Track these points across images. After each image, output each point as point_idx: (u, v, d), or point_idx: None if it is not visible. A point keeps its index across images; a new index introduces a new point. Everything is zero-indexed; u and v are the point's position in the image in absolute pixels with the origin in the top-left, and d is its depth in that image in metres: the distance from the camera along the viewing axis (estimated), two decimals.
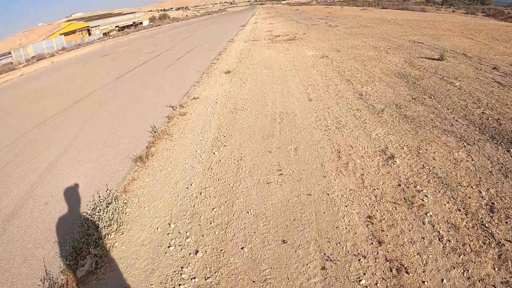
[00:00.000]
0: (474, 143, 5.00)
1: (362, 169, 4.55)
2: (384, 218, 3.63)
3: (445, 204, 3.75)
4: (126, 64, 16.94)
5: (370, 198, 3.96)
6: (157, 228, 3.85)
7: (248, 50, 15.75)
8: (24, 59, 48.54)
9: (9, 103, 12.37)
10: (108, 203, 4.33)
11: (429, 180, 4.21)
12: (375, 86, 8.26)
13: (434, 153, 4.81)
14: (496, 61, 9.64)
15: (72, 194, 4.86)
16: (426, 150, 4.91)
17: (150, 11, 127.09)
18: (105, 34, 76.57)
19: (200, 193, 4.38)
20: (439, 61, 10.11)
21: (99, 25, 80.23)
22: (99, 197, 4.35)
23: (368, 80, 8.79)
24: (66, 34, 73.14)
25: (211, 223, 3.81)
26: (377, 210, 3.77)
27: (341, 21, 26.82)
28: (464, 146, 4.93)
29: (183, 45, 21.92)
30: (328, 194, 4.08)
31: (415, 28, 18.86)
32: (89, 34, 76.23)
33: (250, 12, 70.90)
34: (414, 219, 3.57)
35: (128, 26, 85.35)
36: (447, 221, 3.48)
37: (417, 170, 4.44)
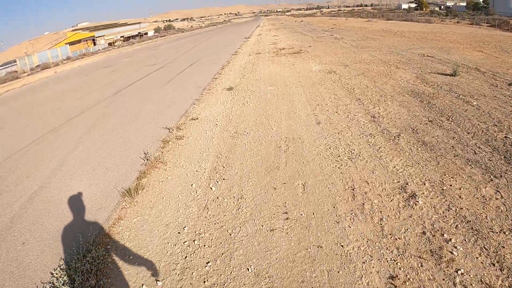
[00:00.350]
0: (501, 175, 4.41)
1: (381, 211, 3.95)
2: (409, 279, 3.03)
3: (477, 258, 3.16)
4: (126, 77, 16.55)
5: (392, 252, 3.36)
6: (142, 285, 3.26)
7: (252, 64, 15.30)
8: (29, 67, 48.65)
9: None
10: (87, 250, 3.76)
11: (457, 225, 3.61)
12: (387, 106, 7.70)
13: (460, 189, 4.21)
14: (510, 76, 9.10)
15: (52, 235, 4.29)
16: (451, 186, 4.31)
17: (155, 21, 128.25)
18: (110, 44, 77.08)
19: (194, 241, 3.79)
20: (452, 76, 9.59)
21: (104, 35, 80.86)
22: (79, 241, 3.80)
23: (379, 99, 8.23)
24: (71, 43, 73.70)
25: (204, 282, 3.21)
26: (400, 268, 3.16)
27: (346, 33, 26.43)
28: (491, 180, 4.34)
29: (186, 58, 21.57)
30: (342, 246, 3.48)
31: (422, 40, 18.38)
32: (94, 44, 76.75)
33: (254, 24, 71.19)
34: (444, 279, 2.97)
35: (133, 37, 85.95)
36: (481, 279, 2.91)
37: (443, 212, 3.84)
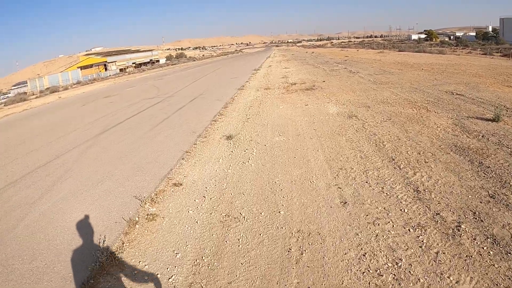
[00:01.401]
0: None
1: None
2: None
3: None
4: (120, 112, 14.95)
5: None
6: None
7: (259, 102, 13.49)
8: (39, 90, 48.26)
9: None
10: None
11: None
12: (431, 171, 5.66)
13: None
14: None
15: None
16: None
17: (168, 49, 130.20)
18: (121, 69, 77.45)
19: None
20: (494, 122, 7.86)
21: (115, 61, 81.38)
22: None
23: (419, 159, 6.21)
24: (83, 67, 74.34)
25: None
26: None
27: (361, 66, 24.78)
28: None
29: (188, 91, 20.01)
30: None
31: (443, 74, 16.58)
32: (106, 69, 77.17)
33: (265, 54, 70.64)
34: None
35: (145, 63, 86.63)
36: None
37: None
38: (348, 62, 29.46)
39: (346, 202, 4.95)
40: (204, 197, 5.56)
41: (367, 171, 5.96)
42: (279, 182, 5.84)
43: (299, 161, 6.72)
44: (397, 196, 4.98)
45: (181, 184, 6.14)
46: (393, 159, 6.38)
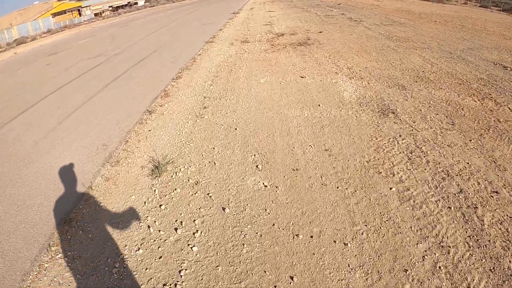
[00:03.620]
0: None
1: None
2: None
3: None
4: (47, 81, 9.90)
5: None
6: None
7: (229, 69, 8.58)
8: (6, 42, 41.20)
9: None
10: None
11: None
12: None
13: None
14: None
15: None
16: None
17: None
18: (97, 14, 68.81)
19: None
20: None
21: (90, 5, 72.38)
22: None
23: None
24: (57, 14, 65.80)
25: None
26: None
27: (360, 12, 19.24)
28: None
29: (145, 44, 14.53)
30: None
31: (467, 32, 11.63)
32: (80, 14, 68.52)
33: None
34: None
35: (122, 6, 77.06)
36: None
37: None
38: (343, 6, 23.51)
39: None
40: None
41: None
42: None
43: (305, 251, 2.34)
44: None
45: None
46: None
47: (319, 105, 5.62)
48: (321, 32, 12.66)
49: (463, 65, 7.38)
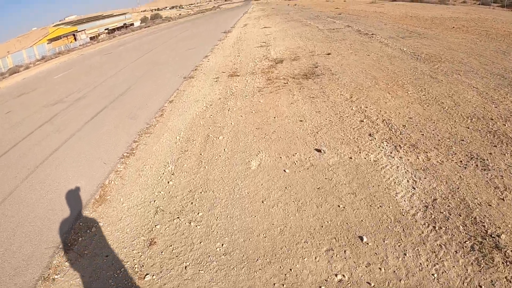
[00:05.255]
0: None
1: None
2: None
3: None
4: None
5: None
6: None
7: (208, 128, 5.68)
8: (2, 71, 39.09)
9: None
10: None
11: None
12: None
13: None
14: None
15: None
16: None
17: (143, 11, 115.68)
18: (92, 38, 67.21)
19: None
20: None
21: (85, 29, 71.06)
22: None
23: None
24: (53, 40, 64.59)
25: None
26: None
27: (366, 22, 16.40)
28: None
29: (112, 84, 11.73)
30: None
31: (491, 39, 9.30)
32: (75, 39, 67.01)
33: (242, 10, 58.14)
34: None
35: (119, 28, 75.56)
36: None
37: None
38: (345, 17, 20.68)
39: None
40: None
41: None
42: None
43: None
44: None
45: None
46: None
47: (363, 239, 2.67)
48: (329, 54, 9.77)
49: None
